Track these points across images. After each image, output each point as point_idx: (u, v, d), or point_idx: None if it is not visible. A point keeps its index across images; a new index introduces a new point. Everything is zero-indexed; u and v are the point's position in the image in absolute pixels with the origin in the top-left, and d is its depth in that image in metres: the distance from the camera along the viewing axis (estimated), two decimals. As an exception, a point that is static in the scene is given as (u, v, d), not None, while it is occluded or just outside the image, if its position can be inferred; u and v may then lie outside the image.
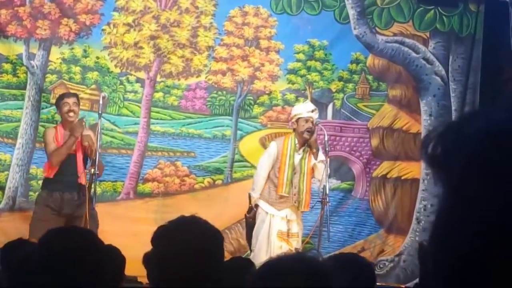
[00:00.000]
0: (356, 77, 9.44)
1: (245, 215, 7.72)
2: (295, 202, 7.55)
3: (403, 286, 8.87)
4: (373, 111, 9.48)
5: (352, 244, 9.20)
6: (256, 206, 7.57)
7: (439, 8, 9.53)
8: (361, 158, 9.40)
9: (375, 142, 9.42)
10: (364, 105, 9.48)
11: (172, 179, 8.99)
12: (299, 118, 7.56)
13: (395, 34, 9.48)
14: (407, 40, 9.49)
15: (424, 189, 9.34)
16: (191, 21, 9.11)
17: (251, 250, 7.58)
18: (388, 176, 9.42)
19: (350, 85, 9.43)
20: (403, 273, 9.24)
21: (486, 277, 0.86)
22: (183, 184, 9.02)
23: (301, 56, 9.34)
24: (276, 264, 2.02)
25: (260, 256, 7.13)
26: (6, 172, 8.62)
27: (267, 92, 9.25)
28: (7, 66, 8.70)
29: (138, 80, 9.01)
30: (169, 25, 9.06)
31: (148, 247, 2.66)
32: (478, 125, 0.90)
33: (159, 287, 2.59)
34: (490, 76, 9.30)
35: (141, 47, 9.00)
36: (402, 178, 9.44)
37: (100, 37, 8.94)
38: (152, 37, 9.02)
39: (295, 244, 7.48)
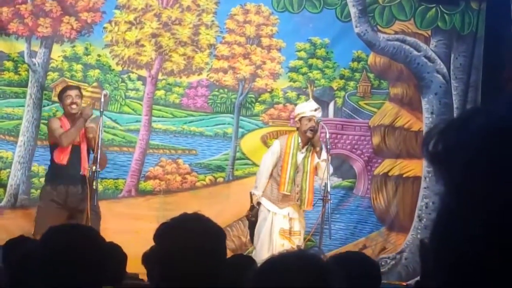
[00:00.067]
0: (357, 75, 9.44)
1: (246, 216, 7.72)
2: (297, 201, 7.56)
3: (405, 284, 8.87)
4: (375, 109, 9.47)
5: (354, 242, 9.19)
6: (259, 204, 7.57)
7: (440, 6, 9.52)
8: (362, 156, 9.40)
9: (376, 140, 9.42)
10: (366, 103, 9.47)
11: (174, 177, 8.99)
12: (302, 117, 7.56)
13: (396, 32, 9.47)
14: (408, 38, 9.48)
15: (426, 187, 9.34)
16: (192, 19, 9.11)
17: (255, 248, 7.60)
18: (390, 174, 9.41)
19: (352, 83, 9.42)
20: (404, 271, 9.24)
21: (487, 274, 0.86)
22: (185, 181, 9.02)
23: (303, 54, 9.33)
24: (278, 261, 2.02)
25: (262, 253, 7.14)
26: (8, 170, 8.62)
27: (268, 90, 9.25)
28: (9, 64, 8.71)
29: (140, 78, 9.01)
30: (171, 23, 9.06)
31: (149, 244, 2.66)
32: (480, 121, 0.90)
33: (160, 285, 2.59)
34: (492, 74, 9.29)
35: (142, 45, 9.00)
36: (404, 176, 9.44)
37: (101, 35, 8.94)
38: (154, 35, 9.02)
39: (297, 242, 7.49)
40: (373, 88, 9.48)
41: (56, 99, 8.48)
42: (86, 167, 7.36)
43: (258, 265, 2.17)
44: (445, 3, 9.52)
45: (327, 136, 7.61)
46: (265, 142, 9.07)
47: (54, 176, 7.43)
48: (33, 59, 8.71)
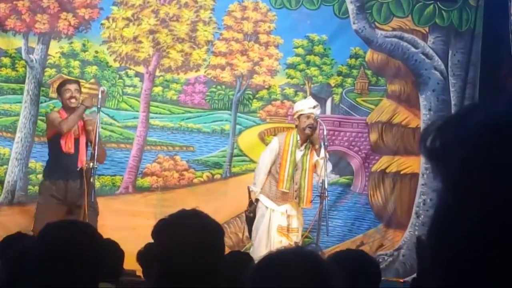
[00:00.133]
0: (355, 72, 9.44)
1: (245, 212, 7.73)
2: (295, 198, 7.56)
3: (402, 280, 8.88)
4: (372, 106, 9.47)
5: (351, 239, 9.20)
6: (257, 200, 7.58)
7: (438, 2, 9.52)
8: (359, 153, 9.40)
9: (374, 137, 9.42)
10: (363, 100, 9.47)
11: (171, 173, 8.99)
12: (300, 114, 7.56)
13: (394, 29, 9.47)
14: (406, 35, 9.48)
15: (424, 184, 9.35)
16: (190, 15, 9.10)
17: (252, 244, 7.60)
18: (387, 170, 9.42)
19: (349, 80, 9.42)
20: (402, 267, 9.25)
21: (485, 271, 0.86)
22: (182, 178, 9.02)
23: (300, 50, 9.33)
24: (276, 258, 2.02)
25: (260, 250, 7.16)
26: (5, 166, 8.62)
27: (266, 86, 9.25)
28: (6, 60, 8.70)
29: (137, 74, 9.01)
30: (168, 19, 9.06)
31: (147, 241, 2.66)
32: (477, 118, 0.89)
33: (158, 282, 2.59)
34: (489, 70, 9.29)
35: (140, 42, 8.99)
36: (401, 172, 9.44)
37: (99, 31, 8.93)
38: (151, 32, 9.01)
39: (295, 238, 7.50)
40: (370, 85, 9.49)
41: (53, 95, 8.48)
42: (83, 160, 7.32)
43: (256, 261, 2.16)
44: (443, 0, 9.52)
45: (325, 133, 7.61)
46: (263, 139, 9.08)
47: (53, 170, 7.40)
48: (31, 56, 8.70)
